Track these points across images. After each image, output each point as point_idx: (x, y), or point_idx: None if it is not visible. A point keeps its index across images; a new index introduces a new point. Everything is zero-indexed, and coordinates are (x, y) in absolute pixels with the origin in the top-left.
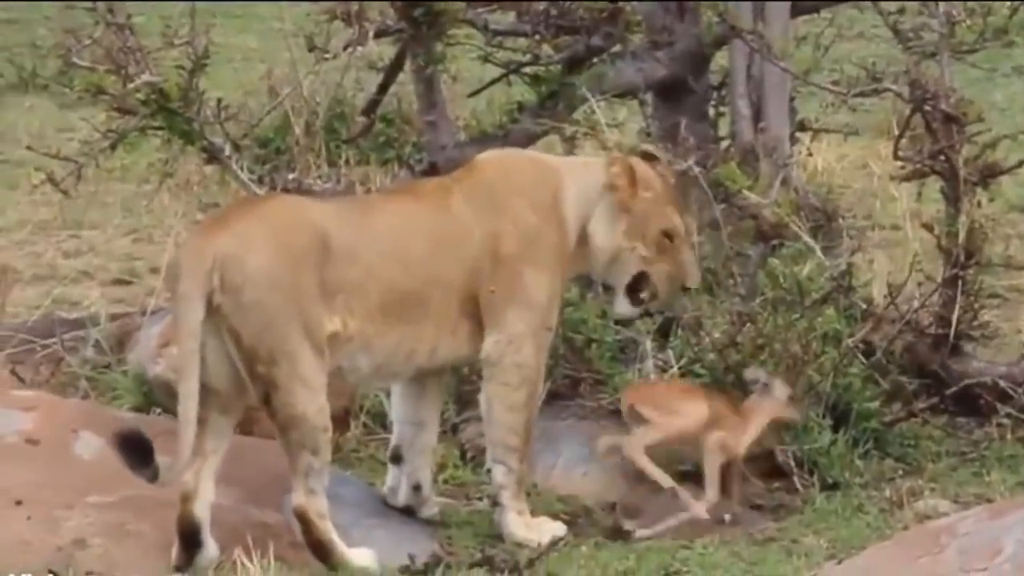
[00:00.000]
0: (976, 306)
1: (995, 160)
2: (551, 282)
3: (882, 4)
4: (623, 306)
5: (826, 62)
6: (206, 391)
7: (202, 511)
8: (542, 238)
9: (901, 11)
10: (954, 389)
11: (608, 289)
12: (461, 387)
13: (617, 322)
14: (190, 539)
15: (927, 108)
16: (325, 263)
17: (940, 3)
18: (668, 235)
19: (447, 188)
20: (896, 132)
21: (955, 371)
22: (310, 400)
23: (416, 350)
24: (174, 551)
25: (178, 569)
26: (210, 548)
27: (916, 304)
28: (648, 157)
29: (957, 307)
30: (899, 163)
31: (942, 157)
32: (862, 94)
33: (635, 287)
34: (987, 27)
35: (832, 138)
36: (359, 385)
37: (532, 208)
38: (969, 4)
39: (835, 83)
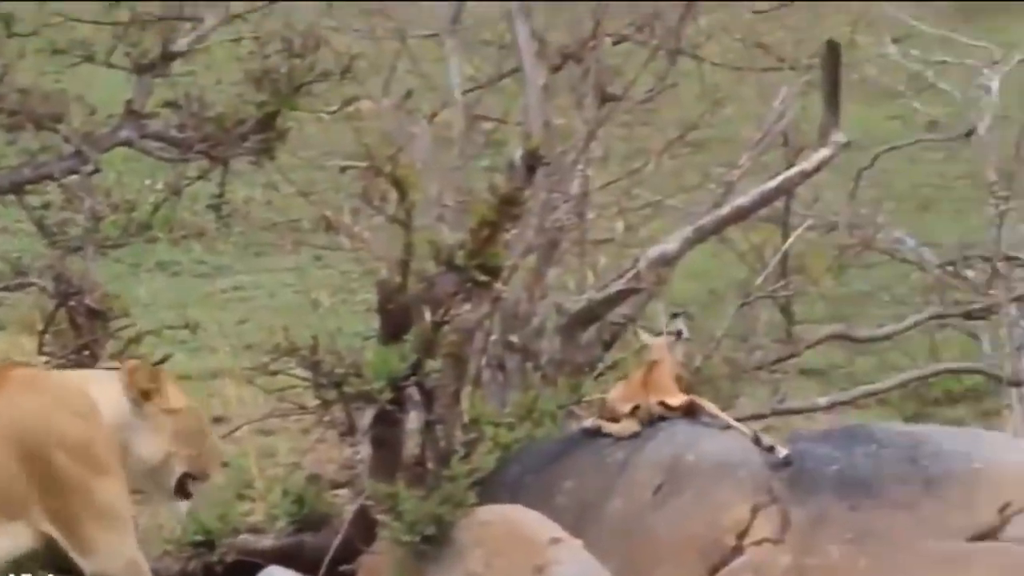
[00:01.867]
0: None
1: (142, 355)
2: (123, 486)
3: (27, 199)
4: (180, 507)
5: None
6: None
7: None
8: (96, 444)
9: (46, 206)
10: None
11: None
12: None
13: None
14: None
15: (72, 303)
16: None
17: (86, 199)
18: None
19: None
20: (41, 327)
21: None
22: None
23: None
24: None
25: None
26: None
27: None
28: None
29: None
30: (44, 358)
31: (87, 352)
32: (7, 288)
33: (180, 486)
34: (131, 222)
35: None
36: None
37: (77, 417)
38: (112, 199)
39: None
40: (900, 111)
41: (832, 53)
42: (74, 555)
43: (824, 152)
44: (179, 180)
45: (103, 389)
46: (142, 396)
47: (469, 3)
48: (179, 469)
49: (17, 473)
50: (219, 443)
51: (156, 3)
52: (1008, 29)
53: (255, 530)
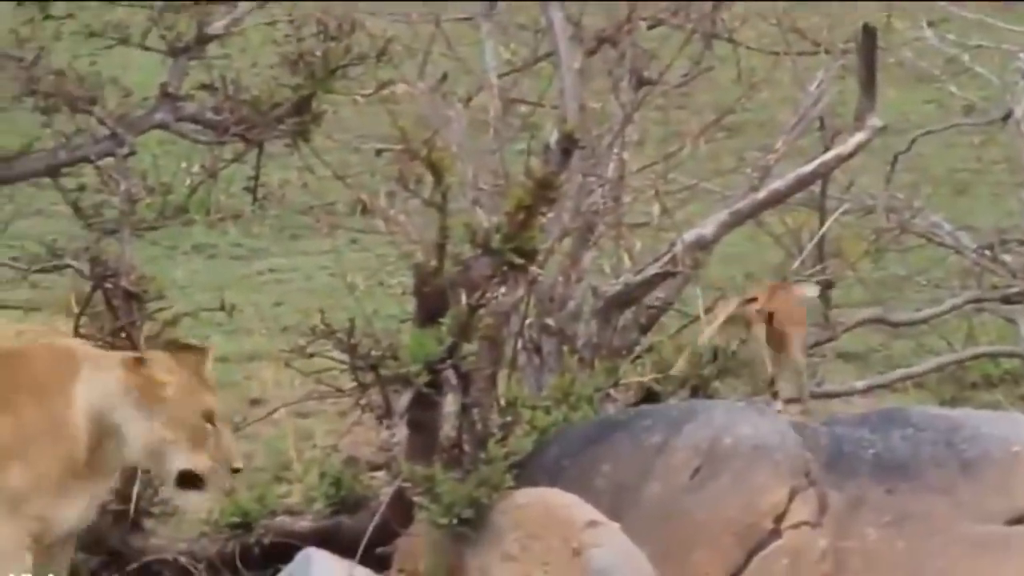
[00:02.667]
0: (156, 483)
1: (176, 337)
2: (38, 479)
3: (63, 181)
4: (188, 504)
5: (6, 239)
6: None
7: None
8: (39, 436)
9: (82, 188)
10: (135, 565)
11: None
12: None
13: None
14: None
15: (108, 285)
16: None
17: (121, 181)
18: (207, 418)
19: None
20: (77, 309)
21: (136, 547)
22: None
23: None
24: None
25: None
26: None
27: None
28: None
29: (137, 483)
30: (81, 339)
31: (123, 334)
32: (43, 270)
33: (185, 482)
34: (167, 205)
35: (12, 314)
36: None
37: (37, 404)
38: (147, 182)
39: (15, 259)
40: (936, 95)
41: (868, 37)
42: None
43: (860, 136)
44: (215, 163)
45: (98, 371)
46: (140, 383)
47: None
48: (178, 463)
49: None
50: (233, 446)
51: None
52: None
53: (292, 512)
